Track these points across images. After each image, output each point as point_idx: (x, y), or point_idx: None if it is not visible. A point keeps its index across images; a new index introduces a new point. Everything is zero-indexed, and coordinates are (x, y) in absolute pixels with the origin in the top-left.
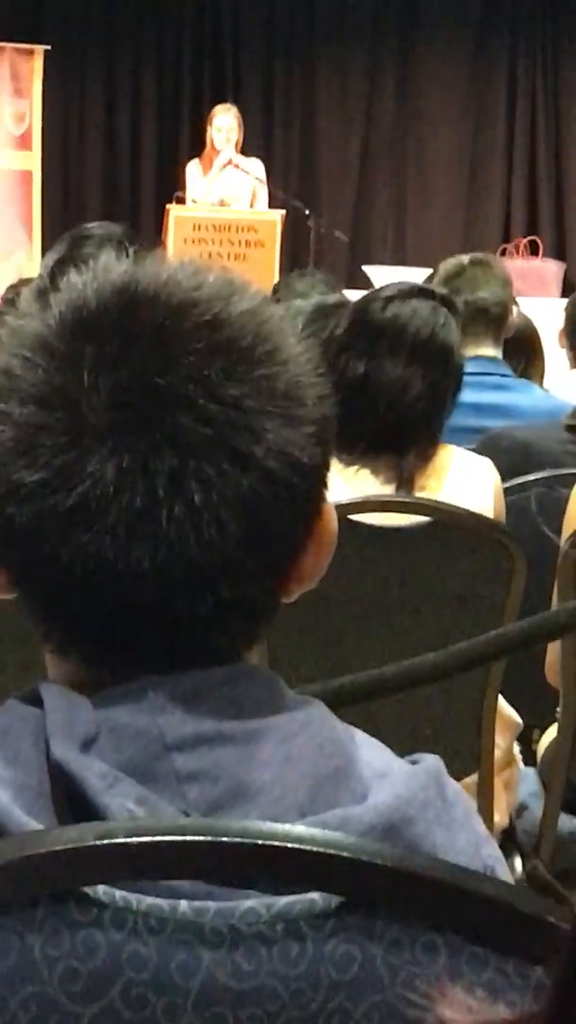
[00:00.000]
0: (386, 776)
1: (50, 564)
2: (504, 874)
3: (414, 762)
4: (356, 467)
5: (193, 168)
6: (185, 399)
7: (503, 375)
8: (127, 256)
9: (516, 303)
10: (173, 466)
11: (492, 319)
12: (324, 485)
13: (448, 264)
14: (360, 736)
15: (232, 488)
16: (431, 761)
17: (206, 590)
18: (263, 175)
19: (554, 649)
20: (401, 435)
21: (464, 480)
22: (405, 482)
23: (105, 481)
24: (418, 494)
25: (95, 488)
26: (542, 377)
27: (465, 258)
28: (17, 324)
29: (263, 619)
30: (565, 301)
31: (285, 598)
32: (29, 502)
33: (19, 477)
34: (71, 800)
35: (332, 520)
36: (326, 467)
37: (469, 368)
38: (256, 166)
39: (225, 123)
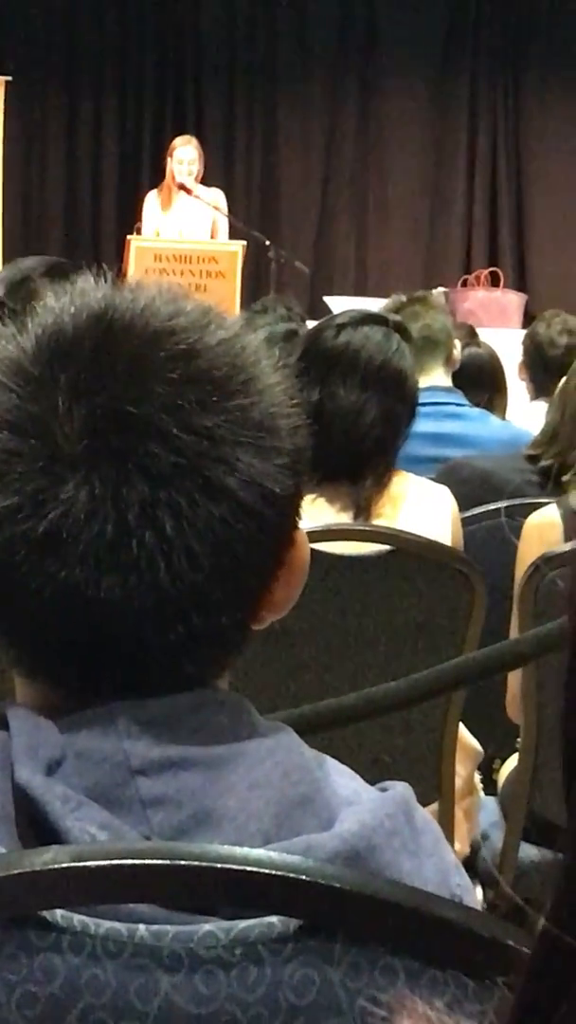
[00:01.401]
0: (353, 804)
1: (20, 590)
2: (473, 903)
3: (384, 790)
4: (313, 496)
5: (151, 200)
6: (158, 429)
7: (458, 404)
8: (105, 281)
9: (476, 335)
10: (144, 495)
11: (439, 345)
12: (297, 515)
13: (388, 303)
14: (330, 763)
15: (203, 518)
16: (400, 789)
17: (176, 620)
18: (224, 205)
19: (514, 685)
20: (356, 462)
21: (421, 508)
22: (362, 510)
23: (77, 509)
24: (374, 522)
25: (67, 516)
26: (504, 409)
27: (404, 296)
28: None
29: (234, 648)
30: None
31: (256, 626)
32: (0, 528)
33: None
34: (34, 824)
35: (304, 548)
36: (299, 497)
37: (424, 398)
38: (217, 196)
39: (186, 155)
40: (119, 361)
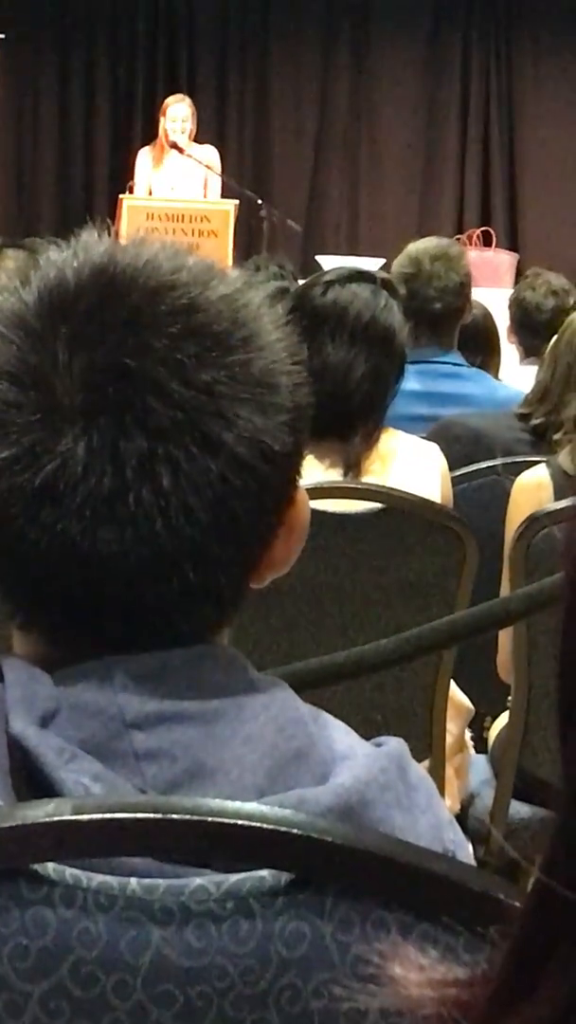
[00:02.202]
0: (348, 758)
1: (16, 541)
2: (466, 858)
3: (379, 745)
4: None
5: (144, 157)
6: (156, 383)
7: (455, 363)
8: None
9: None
10: (142, 449)
11: (444, 325)
12: (297, 474)
13: (404, 263)
14: (325, 718)
15: (201, 474)
16: (394, 744)
17: (173, 575)
18: (217, 163)
19: (505, 645)
20: (345, 419)
21: (410, 465)
22: (351, 467)
23: (74, 462)
24: (364, 479)
25: (64, 468)
26: (498, 369)
27: (426, 253)
28: None
29: (231, 605)
30: None
31: (256, 584)
32: None
33: None
34: (28, 775)
35: (305, 508)
36: (300, 456)
37: (421, 356)
38: (210, 153)
39: (180, 113)
40: (119, 315)
